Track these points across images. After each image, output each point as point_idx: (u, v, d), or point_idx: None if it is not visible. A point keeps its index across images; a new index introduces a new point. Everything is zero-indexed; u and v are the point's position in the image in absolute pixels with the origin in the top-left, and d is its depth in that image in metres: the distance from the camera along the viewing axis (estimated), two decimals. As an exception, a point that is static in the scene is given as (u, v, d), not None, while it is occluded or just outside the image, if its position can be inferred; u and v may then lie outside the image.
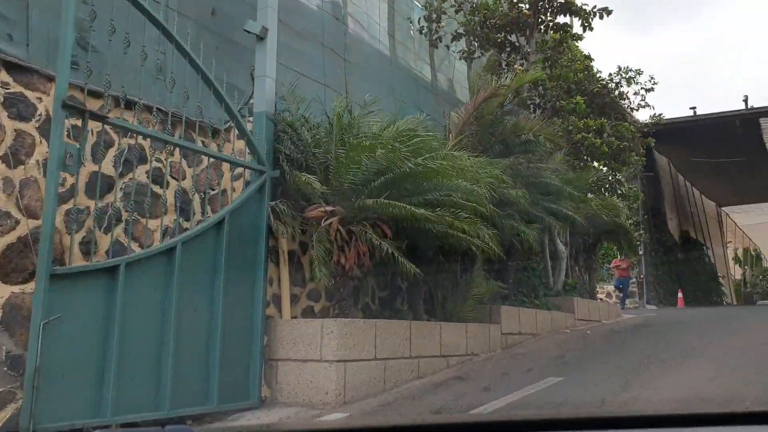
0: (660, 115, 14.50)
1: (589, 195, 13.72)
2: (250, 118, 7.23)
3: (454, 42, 11.74)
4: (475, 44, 11.70)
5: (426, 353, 7.79)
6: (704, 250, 35.27)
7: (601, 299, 21.77)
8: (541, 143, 10.36)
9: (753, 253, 57.04)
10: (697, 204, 37.53)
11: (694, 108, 22.25)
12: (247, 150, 6.98)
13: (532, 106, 12.57)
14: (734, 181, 35.43)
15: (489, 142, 9.21)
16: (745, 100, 21.59)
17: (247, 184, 6.96)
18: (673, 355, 8.45)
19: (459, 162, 7.73)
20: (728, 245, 47.74)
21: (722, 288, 38.07)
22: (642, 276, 21.24)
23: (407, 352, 7.49)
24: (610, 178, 14.57)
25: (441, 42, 11.64)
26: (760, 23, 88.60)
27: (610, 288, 21.19)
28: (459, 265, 9.22)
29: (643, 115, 22.38)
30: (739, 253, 54.49)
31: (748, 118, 21.69)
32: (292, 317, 7.23)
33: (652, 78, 15.16)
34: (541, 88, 12.61)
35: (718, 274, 37.73)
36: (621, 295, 20.29)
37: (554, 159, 11.79)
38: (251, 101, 7.30)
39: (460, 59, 11.94)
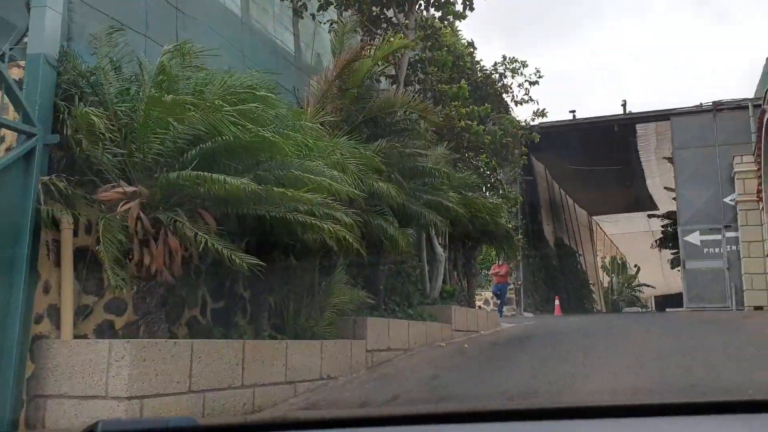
0: (543, 110, 13.66)
1: (470, 194, 12.56)
2: (24, 62, 5.25)
3: (321, 12, 10.12)
4: (346, 16, 10.14)
5: (266, 380, 6.07)
6: (577, 257, 35.89)
7: (480, 306, 20.95)
8: (420, 129, 8.97)
9: (619, 262, 59.84)
10: (570, 212, 38.22)
11: (573, 111, 21.95)
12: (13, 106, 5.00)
13: (411, 92, 11.20)
14: (606, 190, 36.41)
15: (355, 120, 7.66)
16: (624, 105, 21.54)
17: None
18: (561, 375, 7.24)
19: (316, 140, 6.11)
20: (598, 254, 49.48)
21: (593, 295, 39.06)
22: (520, 282, 20.59)
23: (239, 380, 5.74)
24: (490, 174, 13.52)
25: (306, 10, 10.00)
26: (637, 41, 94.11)
27: (489, 294, 20.39)
28: (317, 270, 7.60)
29: (526, 112, 21.75)
30: (607, 261, 56.93)
31: (626, 123, 21.67)
32: (77, 336, 5.29)
33: (537, 71, 14.32)
34: (420, 72, 11.28)
35: (590, 282, 38.66)
36: (499, 302, 19.51)
37: (435, 151, 10.49)
38: (25, 40, 5.31)
39: (329, 32, 10.33)
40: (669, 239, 31.36)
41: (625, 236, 53.39)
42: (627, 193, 36.79)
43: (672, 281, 60.18)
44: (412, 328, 9.28)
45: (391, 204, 7.86)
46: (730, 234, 18.81)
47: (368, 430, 1.36)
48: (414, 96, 9.67)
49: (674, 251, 33.11)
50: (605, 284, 56.98)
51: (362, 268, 8.63)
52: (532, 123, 15.68)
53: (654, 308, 73.90)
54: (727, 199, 18.97)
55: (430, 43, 10.84)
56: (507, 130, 13.43)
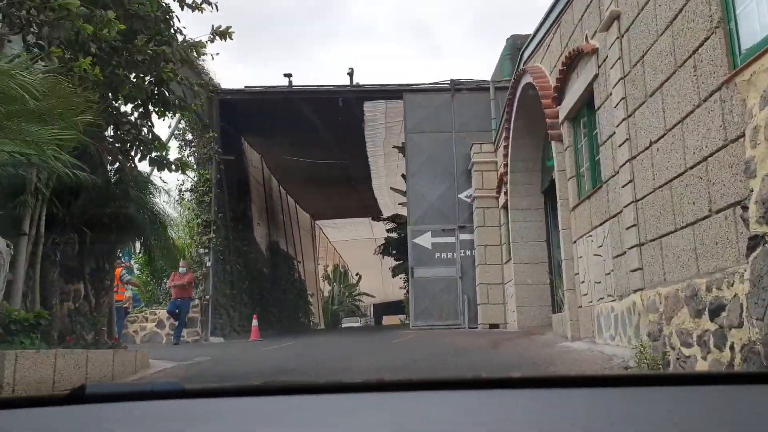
0: (228, 28, 8.56)
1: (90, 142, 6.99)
2: None
3: None
4: None
5: None
6: (295, 265, 31.78)
7: (156, 332, 15.19)
8: None
9: (342, 270, 57.82)
10: (291, 214, 34.06)
11: (289, 75, 17.36)
12: None
13: None
14: (330, 191, 32.98)
15: None
16: (351, 74, 17.54)
17: None
18: None
19: None
20: (320, 261, 46.29)
21: (311, 307, 35.38)
22: (208, 297, 15.31)
23: None
24: (136, 121, 8.09)
25: None
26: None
27: (165, 314, 14.79)
28: None
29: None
30: (330, 269, 54.35)
31: (352, 98, 17.69)
32: None
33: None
34: None
35: (308, 293, 34.91)
36: (177, 323, 14.04)
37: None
38: None
39: None
40: (393, 245, 28.60)
41: (349, 243, 51.25)
42: (353, 195, 33.82)
43: (391, 290, 60.22)
44: None
45: None
46: (464, 236, 15.74)
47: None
48: None
49: (399, 259, 30.78)
50: (326, 293, 54.49)
51: None
52: (211, 49, 10.48)
53: (373, 316, 74.28)
54: (462, 195, 15.91)
55: None
56: (171, 59, 8.05)
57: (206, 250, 15.55)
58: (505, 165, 13.06)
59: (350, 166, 27.09)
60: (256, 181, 24.92)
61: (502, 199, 14.35)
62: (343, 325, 50.67)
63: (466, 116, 16.32)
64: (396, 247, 28.57)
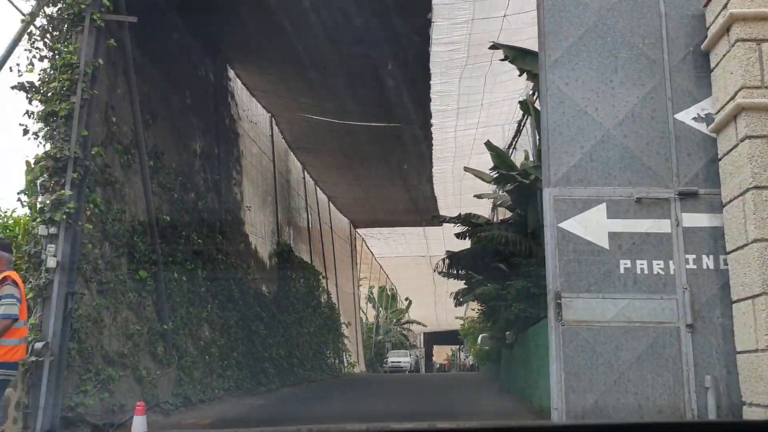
0: None
1: None
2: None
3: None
4: None
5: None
6: (322, 282, 22.48)
7: None
8: None
9: (389, 293, 48.22)
10: (320, 212, 24.86)
11: None
12: None
13: None
14: (374, 183, 23.78)
15: None
16: None
17: None
18: None
19: None
20: (360, 282, 36.83)
21: (345, 341, 25.87)
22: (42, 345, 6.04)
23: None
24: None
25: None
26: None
27: None
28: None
29: None
30: (374, 291, 44.87)
31: None
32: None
33: None
34: None
35: (342, 321, 25.55)
36: None
37: None
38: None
39: None
40: (462, 260, 18.83)
41: (395, 260, 41.69)
42: (403, 189, 24.55)
43: (444, 317, 50.20)
44: None
45: None
46: (695, 218, 6.12)
47: None
48: None
49: (467, 280, 21.20)
50: (370, 320, 44.92)
51: None
52: None
53: (423, 347, 64.14)
54: (684, 115, 6.34)
55: None
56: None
57: (51, 232, 6.38)
58: None
59: (402, 134, 17.75)
60: (253, 142, 15.74)
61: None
62: (390, 362, 40.99)
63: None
64: (466, 263, 18.81)
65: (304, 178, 22.00)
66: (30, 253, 6.53)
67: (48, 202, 6.45)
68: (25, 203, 6.84)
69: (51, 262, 6.30)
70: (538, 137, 14.84)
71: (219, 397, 10.85)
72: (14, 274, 5.49)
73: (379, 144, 18.82)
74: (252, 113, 15.84)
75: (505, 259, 15.56)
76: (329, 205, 26.49)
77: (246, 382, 12.51)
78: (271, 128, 17.81)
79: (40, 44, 6.94)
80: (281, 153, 18.98)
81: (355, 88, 14.54)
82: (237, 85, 14.63)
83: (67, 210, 6.48)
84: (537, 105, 13.89)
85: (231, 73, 14.21)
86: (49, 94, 6.72)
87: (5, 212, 7.83)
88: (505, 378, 15.13)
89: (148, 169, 8.77)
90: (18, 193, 6.68)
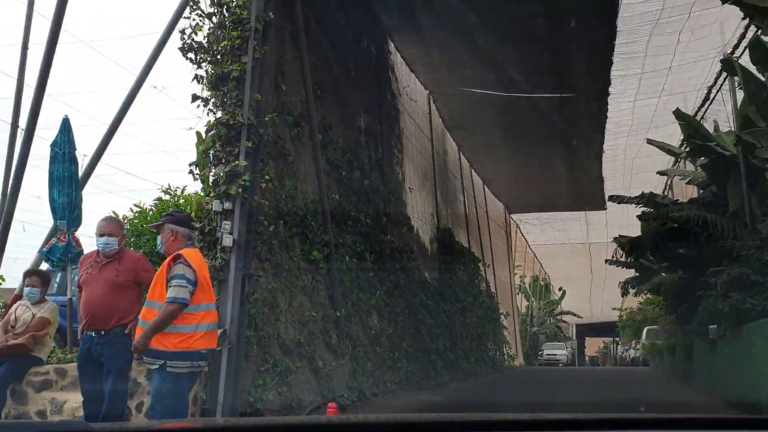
0: None
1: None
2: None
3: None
4: None
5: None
6: (482, 270, 21.29)
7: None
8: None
9: (542, 283, 46.01)
10: (476, 196, 23.64)
11: None
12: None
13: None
14: (534, 165, 22.17)
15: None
16: None
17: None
18: None
19: None
20: (517, 269, 35.09)
21: (505, 333, 24.52)
22: (227, 333, 5.38)
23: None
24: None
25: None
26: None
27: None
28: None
29: None
30: (527, 281, 42.85)
31: None
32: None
33: None
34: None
35: (501, 312, 24.20)
36: None
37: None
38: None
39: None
40: (644, 244, 16.78)
41: (548, 247, 39.42)
42: (565, 169, 22.71)
43: (599, 308, 47.17)
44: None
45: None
46: None
47: None
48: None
49: (640, 269, 19.15)
50: (522, 310, 42.98)
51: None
52: None
53: (575, 338, 61.11)
54: None
55: None
56: None
57: (226, 207, 5.73)
58: None
59: (572, 106, 16.08)
60: (411, 119, 14.81)
61: None
62: (545, 355, 39.07)
63: None
64: (647, 248, 16.74)
65: (459, 159, 20.88)
66: (204, 231, 5.95)
67: (222, 174, 5.84)
68: (197, 175, 6.30)
69: (227, 240, 5.68)
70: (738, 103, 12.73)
71: (391, 391, 10.03)
72: (190, 252, 4.82)
73: (543, 118, 17.24)
74: (411, 90, 14.95)
75: (698, 243, 13.63)
76: (484, 189, 25.20)
77: (416, 375, 11.64)
78: (429, 106, 16.84)
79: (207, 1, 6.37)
80: (438, 133, 17.98)
81: (525, 54, 13.15)
82: (397, 60, 13.78)
83: (243, 183, 5.83)
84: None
85: (391, 46, 13.36)
86: (219, 56, 6.11)
87: (175, 190, 7.47)
88: (706, 378, 13.14)
89: (319, 143, 8.05)
90: (189, 165, 6.16)
